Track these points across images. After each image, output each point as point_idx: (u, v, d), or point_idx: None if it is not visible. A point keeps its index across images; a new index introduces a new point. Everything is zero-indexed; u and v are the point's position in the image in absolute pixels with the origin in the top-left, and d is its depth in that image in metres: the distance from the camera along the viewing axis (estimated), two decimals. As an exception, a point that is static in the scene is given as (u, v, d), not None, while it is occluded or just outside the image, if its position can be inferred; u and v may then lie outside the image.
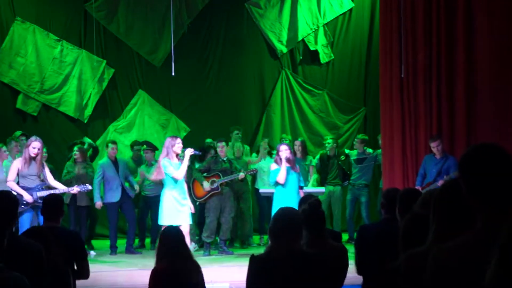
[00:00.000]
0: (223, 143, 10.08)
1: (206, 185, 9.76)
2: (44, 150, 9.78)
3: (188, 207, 8.39)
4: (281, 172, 8.51)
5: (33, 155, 8.09)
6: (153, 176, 8.79)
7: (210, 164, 10.02)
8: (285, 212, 3.66)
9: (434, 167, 8.84)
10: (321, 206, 4.38)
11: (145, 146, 10.93)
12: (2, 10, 11.65)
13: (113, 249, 10.10)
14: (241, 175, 9.93)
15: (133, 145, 11.19)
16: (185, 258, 4.30)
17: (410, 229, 2.94)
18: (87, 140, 10.97)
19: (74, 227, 9.84)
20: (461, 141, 8.95)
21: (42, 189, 8.10)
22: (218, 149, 10.06)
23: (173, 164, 8.23)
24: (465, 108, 8.96)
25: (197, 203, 9.99)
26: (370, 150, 11.02)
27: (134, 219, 10.37)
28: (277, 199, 8.55)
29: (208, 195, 9.83)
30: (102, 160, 10.25)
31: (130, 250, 10.19)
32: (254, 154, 11.37)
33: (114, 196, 10.08)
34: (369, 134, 11.76)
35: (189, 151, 8.39)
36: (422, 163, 9.06)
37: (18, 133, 10.23)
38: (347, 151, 11.39)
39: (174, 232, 4.43)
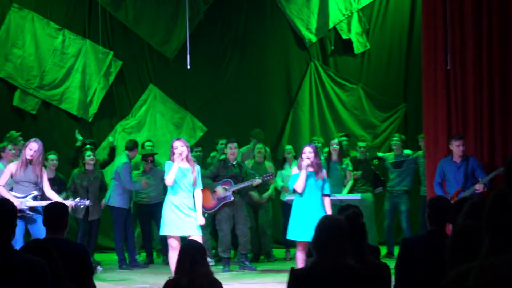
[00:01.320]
0: (235, 145, 9.98)
1: (220, 189, 9.68)
2: (54, 157, 9.89)
3: (193, 219, 8.15)
4: (299, 178, 8.25)
5: (29, 157, 7.96)
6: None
7: (218, 169, 9.89)
8: (330, 221, 3.65)
9: (458, 172, 8.73)
10: (361, 217, 4.37)
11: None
12: (-3, -4, 11.80)
13: (123, 262, 10.16)
14: (257, 181, 9.78)
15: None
16: (202, 274, 4.34)
17: (459, 243, 2.93)
18: (110, 138, 11.11)
19: (81, 240, 9.92)
20: (516, 141, 8.87)
21: (35, 199, 7.94)
22: (229, 152, 9.95)
23: (178, 168, 8.14)
24: (520, 104, 8.87)
25: (206, 215, 9.95)
26: (408, 152, 10.95)
27: (133, 228, 10.48)
28: (295, 209, 8.36)
29: (219, 206, 9.75)
30: (127, 159, 10.22)
31: (135, 263, 10.24)
32: (266, 162, 10.98)
33: (126, 202, 10.14)
34: (410, 134, 11.71)
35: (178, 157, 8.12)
36: (438, 170, 8.86)
37: (15, 133, 10.25)
38: (380, 154, 11.32)
39: (193, 245, 4.49)
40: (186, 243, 4.62)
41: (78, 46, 12.16)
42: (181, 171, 8.10)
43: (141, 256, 11.10)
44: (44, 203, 7.91)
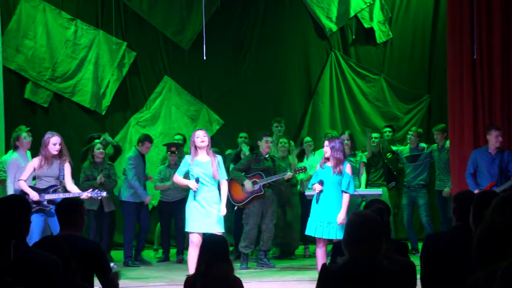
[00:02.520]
0: (270, 138, 10.09)
1: (248, 184, 9.76)
2: None
3: (216, 214, 8.12)
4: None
5: (55, 152, 8.18)
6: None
7: (250, 162, 9.98)
8: (361, 217, 3.62)
9: (492, 164, 8.75)
10: (387, 213, 4.35)
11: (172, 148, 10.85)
12: (7, -14, 11.84)
13: (128, 259, 10.21)
14: (288, 174, 9.89)
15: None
16: (223, 271, 4.35)
17: (486, 240, 2.91)
18: (108, 137, 10.86)
19: (94, 236, 9.98)
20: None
21: (54, 192, 8.15)
22: (264, 145, 9.96)
23: (196, 162, 8.13)
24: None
25: (235, 208, 10.00)
26: (423, 145, 10.93)
27: (149, 226, 10.62)
28: (313, 204, 8.31)
29: (248, 199, 9.82)
30: (133, 153, 10.31)
31: (138, 258, 10.32)
32: (290, 156, 10.98)
33: (137, 196, 10.18)
34: (434, 126, 11.63)
35: (192, 185, 8.11)
36: (471, 160, 8.93)
37: (23, 128, 10.22)
38: (394, 147, 11.28)
39: (215, 240, 4.48)
40: (206, 236, 4.58)
41: (91, 36, 12.20)
42: (200, 165, 8.13)
43: (158, 253, 11.15)
44: (62, 195, 8.10)
